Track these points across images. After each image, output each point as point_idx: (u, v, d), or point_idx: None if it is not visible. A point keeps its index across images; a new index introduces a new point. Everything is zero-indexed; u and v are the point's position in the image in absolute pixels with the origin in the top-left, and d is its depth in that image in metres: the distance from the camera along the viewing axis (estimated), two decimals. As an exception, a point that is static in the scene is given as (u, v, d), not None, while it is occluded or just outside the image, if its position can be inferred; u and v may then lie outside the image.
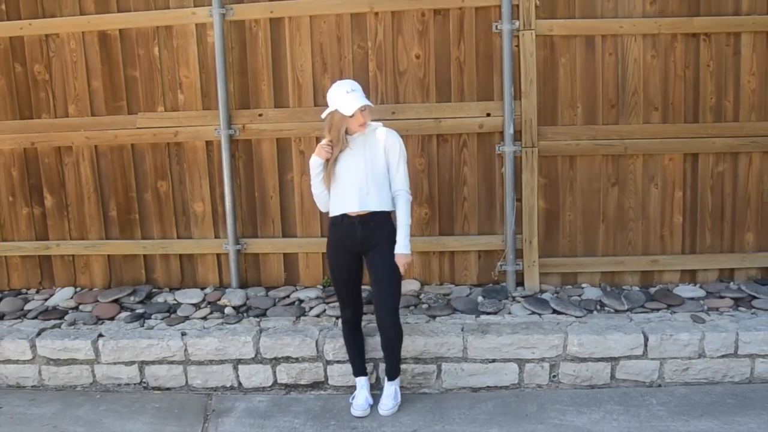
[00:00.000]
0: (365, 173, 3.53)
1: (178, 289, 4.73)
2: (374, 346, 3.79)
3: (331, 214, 3.66)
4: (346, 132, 3.54)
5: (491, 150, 4.48)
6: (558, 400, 3.75)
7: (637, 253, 4.54)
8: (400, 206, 3.58)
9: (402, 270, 3.56)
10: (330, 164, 3.57)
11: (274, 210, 4.66)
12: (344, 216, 3.58)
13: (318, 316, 4.26)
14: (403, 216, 3.57)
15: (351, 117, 3.45)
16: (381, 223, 3.57)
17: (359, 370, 3.77)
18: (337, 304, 4.34)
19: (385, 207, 3.57)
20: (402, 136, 3.67)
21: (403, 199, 3.59)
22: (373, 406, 3.70)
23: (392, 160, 3.58)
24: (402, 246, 3.54)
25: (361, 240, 3.57)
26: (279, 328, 4.08)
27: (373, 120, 3.66)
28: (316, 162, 3.59)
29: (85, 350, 4.01)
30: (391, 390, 3.69)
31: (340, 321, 3.88)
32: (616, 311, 4.19)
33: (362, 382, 3.74)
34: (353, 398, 3.73)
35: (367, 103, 3.49)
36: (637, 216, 4.51)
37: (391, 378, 3.71)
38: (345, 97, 3.45)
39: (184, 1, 4.49)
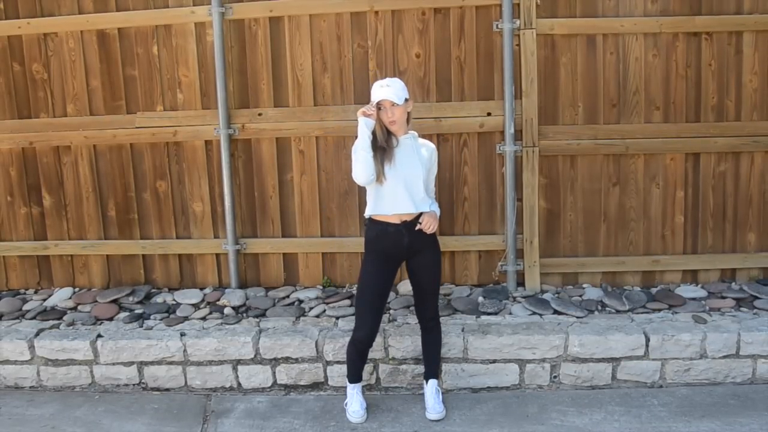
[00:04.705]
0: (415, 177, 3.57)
1: (177, 289, 4.71)
2: (373, 347, 3.75)
3: (373, 215, 3.59)
4: (388, 130, 3.53)
5: (492, 149, 4.46)
6: (559, 401, 3.73)
7: (638, 253, 4.52)
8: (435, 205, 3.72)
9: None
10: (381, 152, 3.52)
11: (273, 210, 4.64)
12: (387, 222, 3.56)
13: (318, 316, 4.24)
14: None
15: (380, 110, 3.47)
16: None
17: (358, 378, 3.69)
18: (337, 304, 4.34)
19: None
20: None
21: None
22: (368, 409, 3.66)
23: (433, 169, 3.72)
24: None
25: (407, 245, 3.57)
26: (278, 328, 4.06)
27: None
28: (368, 123, 3.48)
29: (83, 351, 3.99)
30: (434, 389, 3.66)
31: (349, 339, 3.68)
32: (618, 312, 4.18)
33: (359, 389, 3.67)
34: (347, 404, 3.66)
35: (392, 100, 3.43)
36: (638, 216, 4.50)
37: (436, 376, 3.70)
38: (377, 90, 3.47)
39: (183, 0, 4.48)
